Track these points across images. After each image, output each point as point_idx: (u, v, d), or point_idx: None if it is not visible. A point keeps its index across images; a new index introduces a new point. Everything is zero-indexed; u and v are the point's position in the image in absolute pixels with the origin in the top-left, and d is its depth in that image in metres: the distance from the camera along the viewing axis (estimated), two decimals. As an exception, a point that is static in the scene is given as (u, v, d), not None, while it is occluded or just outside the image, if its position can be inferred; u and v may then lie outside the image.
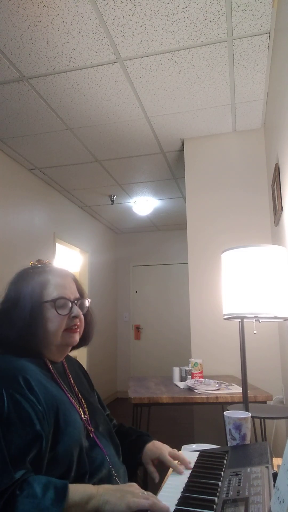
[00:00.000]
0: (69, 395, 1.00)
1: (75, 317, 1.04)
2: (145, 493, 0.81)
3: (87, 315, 1.12)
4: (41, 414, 0.87)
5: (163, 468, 1.06)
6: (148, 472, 1.07)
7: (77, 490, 0.80)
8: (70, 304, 1.03)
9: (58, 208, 4.72)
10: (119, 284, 6.80)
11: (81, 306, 1.08)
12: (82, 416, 1.01)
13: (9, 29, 2.10)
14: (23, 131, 3.22)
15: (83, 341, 1.14)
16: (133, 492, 0.81)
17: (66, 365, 1.12)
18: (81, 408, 1.03)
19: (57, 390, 0.96)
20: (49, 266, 1.09)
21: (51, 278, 1.04)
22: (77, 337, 1.06)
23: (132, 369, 6.50)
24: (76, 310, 1.04)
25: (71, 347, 1.09)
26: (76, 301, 1.06)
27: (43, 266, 1.08)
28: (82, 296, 1.10)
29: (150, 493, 0.82)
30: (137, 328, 6.59)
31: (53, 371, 1.01)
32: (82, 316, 1.07)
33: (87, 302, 1.11)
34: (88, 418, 1.03)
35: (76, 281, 1.12)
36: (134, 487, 0.83)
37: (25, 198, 3.98)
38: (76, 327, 1.05)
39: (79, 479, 0.89)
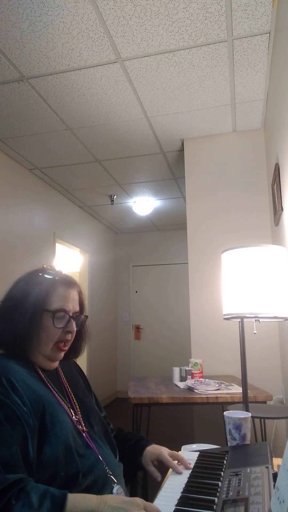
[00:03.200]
0: (57, 396, 1.00)
1: (69, 332, 1.04)
2: (147, 508, 0.79)
3: (81, 330, 1.13)
4: (26, 415, 0.86)
5: (163, 468, 1.06)
6: (149, 473, 1.07)
7: (77, 502, 0.78)
8: (67, 318, 1.04)
9: (58, 208, 4.72)
10: (119, 284, 6.80)
11: (77, 321, 1.08)
12: (73, 416, 1.00)
13: (9, 29, 2.10)
14: (23, 131, 3.22)
15: (73, 353, 1.14)
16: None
17: (59, 366, 1.12)
18: (72, 409, 1.03)
19: (44, 391, 0.96)
20: (59, 274, 1.09)
21: (58, 287, 1.04)
22: (61, 355, 1.06)
23: (132, 369, 6.50)
24: (72, 326, 1.05)
25: (57, 362, 1.09)
26: (74, 316, 1.06)
27: (53, 273, 1.08)
28: (81, 311, 1.11)
29: (152, 505, 0.80)
30: (137, 328, 6.59)
31: (41, 373, 1.02)
32: (74, 333, 1.07)
33: (83, 318, 1.11)
34: (80, 418, 1.03)
35: (80, 294, 1.12)
36: (135, 505, 0.79)
37: (25, 198, 3.98)
38: (64, 343, 1.05)
39: (72, 479, 0.88)
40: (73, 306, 1.06)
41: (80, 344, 1.15)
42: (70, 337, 1.06)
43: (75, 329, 1.06)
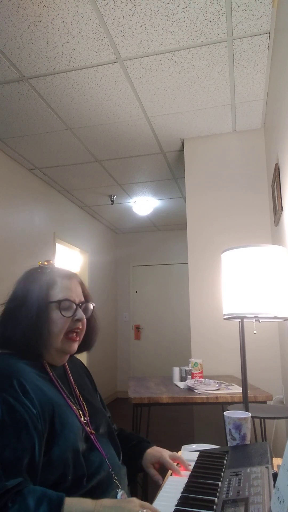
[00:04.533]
0: (67, 398, 1.00)
1: (78, 320, 1.04)
2: (144, 510, 0.79)
3: (91, 320, 1.12)
4: (35, 418, 0.86)
5: (163, 471, 1.06)
6: (150, 476, 1.07)
7: (74, 505, 0.78)
8: (74, 307, 1.04)
9: (58, 208, 4.72)
10: (119, 284, 6.79)
11: (85, 310, 1.08)
12: (81, 418, 1.00)
13: (9, 29, 2.10)
14: (23, 131, 3.22)
15: (85, 346, 1.13)
16: (131, 509, 0.78)
17: (67, 367, 1.12)
18: (81, 411, 1.02)
19: (54, 393, 0.96)
20: (57, 268, 1.09)
21: (58, 279, 1.05)
22: (75, 346, 1.06)
23: (132, 369, 6.50)
24: (80, 313, 1.04)
25: (69, 355, 1.09)
26: (80, 305, 1.06)
27: (51, 267, 1.09)
28: (87, 300, 1.10)
29: (148, 505, 0.81)
30: (137, 328, 6.59)
31: (51, 374, 1.01)
32: (85, 320, 1.07)
33: (91, 306, 1.11)
34: (88, 420, 1.03)
35: (82, 285, 1.12)
36: (132, 503, 0.80)
37: (25, 198, 3.98)
38: (76, 334, 1.05)
39: (77, 482, 0.88)
40: (77, 296, 1.06)
41: (90, 335, 1.14)
42: (81, 326, 1.05)
43: (84, 316, 1.06)
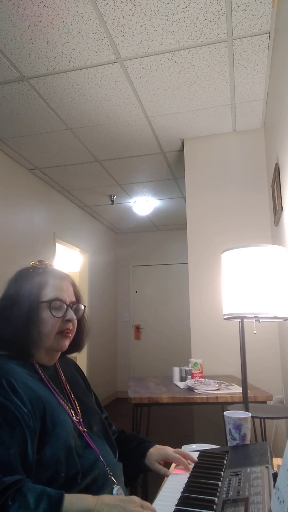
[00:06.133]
0: (58, 397, 1.00)
1: (69, 320, 1.04)
2: (144, 506, 0.79)
3: (81, 321, 1.12)
4: (26, 416, 0.86)
5: (167, 467, 1.07)
6: (156, 471, 1.07)
7: (74, 502, 0.78)
8: (65, 307, 1.04)
9: (58, 208, 4.72)
10: (119, 284, 6.80)
11: (76, 311, 1.08)
12: (73, 417, 1.00)
13: (9, 29, 2.10)
14: (23, 131, 3.22)
15: (75, 347, 1.13)
16: (132, 510, 0.78)
17: (59, 367, 1.12)
18: (73, 410, 1.03)
19: (44, 392, 0.96)
20: (49, 267, 1.10)
21: (50, 279, 1.05)
22: (67, 342, 1.06)
23: (132, 369, 6.50)
24: (71, 314, 1.05)
25: (60, 353, 1.09)
26: (71, 305, 1.06)
27: (43, 267, 1.09)
28: (78, 300, 1.11)
29: (149, 505, 0.80)
30: (137, 328, 6.59)
31: (42, 373, 1.01)
32: (75, 321, 1.07)
33: (82, 307, 1.11)
34: (81, 419, 1.03)
35: (74, 285, 1.12)
36: (133, 503, 0.79)
37: (25, 198, 3.98)
38: (68, 331, 1.05)
39: (71, 480, 0.89)
40: (68, 296, 1.06)
41: (81, 337, 1.14)
42: (71, 327, 1.06)
43: (74, 317, 1.06)
